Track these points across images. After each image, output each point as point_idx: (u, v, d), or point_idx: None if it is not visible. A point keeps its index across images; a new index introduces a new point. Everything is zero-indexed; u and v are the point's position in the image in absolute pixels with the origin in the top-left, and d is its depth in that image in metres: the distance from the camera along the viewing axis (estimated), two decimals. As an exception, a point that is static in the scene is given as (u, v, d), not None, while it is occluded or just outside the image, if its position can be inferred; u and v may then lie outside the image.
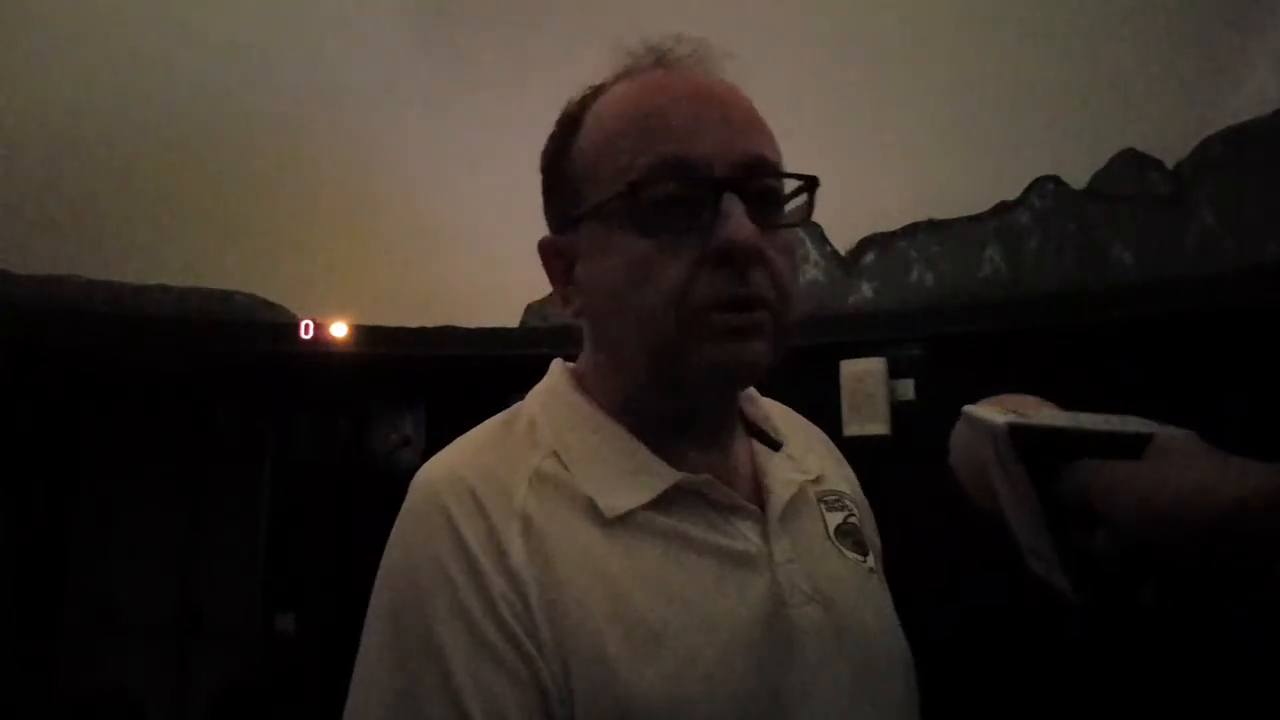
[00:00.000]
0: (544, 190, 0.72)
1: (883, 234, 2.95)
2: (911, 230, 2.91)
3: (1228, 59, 2.52)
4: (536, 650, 0.55)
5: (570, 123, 0.69)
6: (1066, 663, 2.34)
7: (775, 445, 0.73)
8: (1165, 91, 2.61)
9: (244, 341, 3.04)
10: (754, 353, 0.61)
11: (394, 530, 0.61)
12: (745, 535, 0.64)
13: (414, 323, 3.15)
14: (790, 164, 0.67)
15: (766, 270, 0.62)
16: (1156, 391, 2.32)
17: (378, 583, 0.60)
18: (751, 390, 0.77)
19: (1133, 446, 0.46)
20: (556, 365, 0.74)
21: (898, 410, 2.69)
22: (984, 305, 2.70)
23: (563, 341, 0.76)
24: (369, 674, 0.57)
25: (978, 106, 2.84)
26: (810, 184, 0.66)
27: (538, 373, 0.75)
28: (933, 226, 2.89)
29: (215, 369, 3.35)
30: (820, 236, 3.01)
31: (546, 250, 0.71)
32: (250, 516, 3.48)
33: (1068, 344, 2.48)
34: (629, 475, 0.64)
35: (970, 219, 2.84)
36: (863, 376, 2.74)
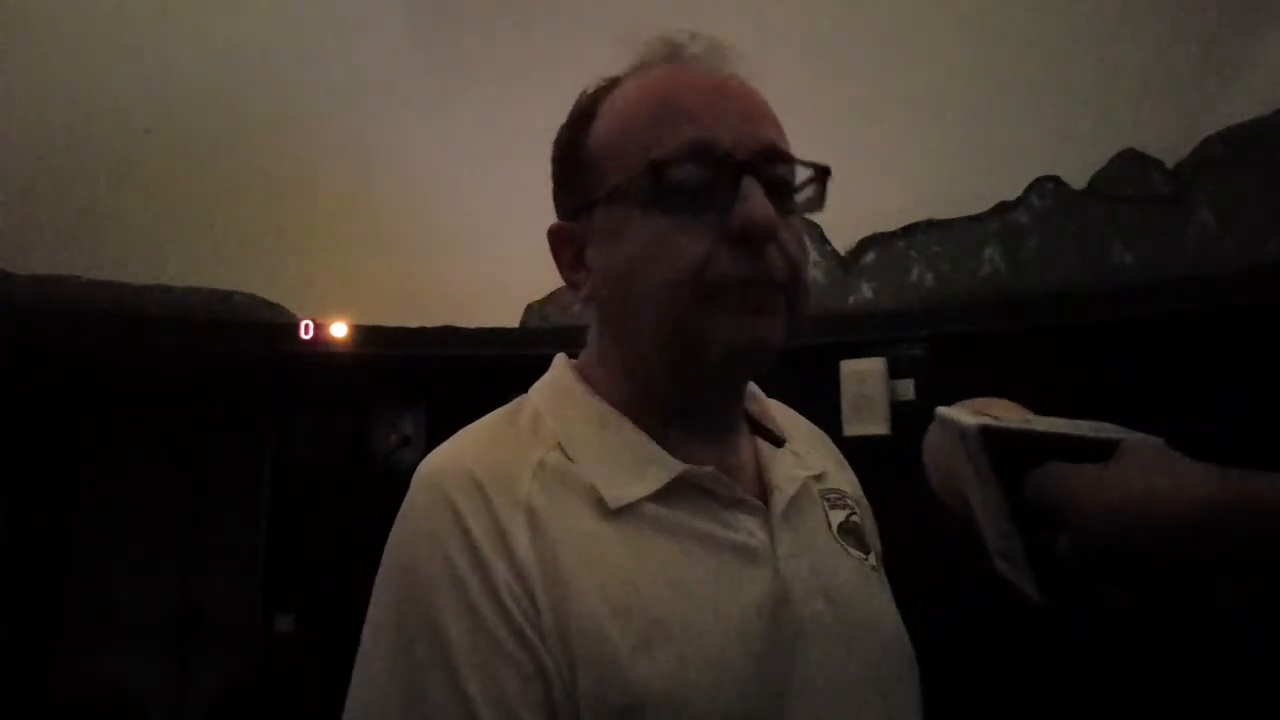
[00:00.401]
0: (555, 179, 0.72)
1: (883, 234, 2.95)
2: (911, 230, 2.91)
3: (1228, 59, 2.52)
4: (541, 641, 0.55)
5: (585, 113, 0.70)
6: (1066, 664, 2.34)
7: (778, 441, 0.73)
8: (1165, 91, 2.61)
9: (244, 341, 3.04)
10: (769, 329, 0.62)
11: (397, 522, 0.61)
12: (749, 529, 0.65)
13: (414, 323, 3.15)
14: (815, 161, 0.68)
15: (781, 253, 0.63)
16: (1156, 391, 2.32)
17: (381, 574, 0.60)
18: (755, 388, 0.77)
19: (1101, 452, 0.46)
20: (560, 359, 0.74)
21: (898, 410, 2.69)
22: (984, 305, 2.70)
23: (563, 342, 0.76)
24: (372, 665, 0.57)
25: (978, 106, 2.84)
26: (822, 174, 0.68)
27: (538, 373, 0.75)
28: (933, 226, 2.89)
29: (215, 369, 3.35)
30: (820, 236, 3.01)
31: (556, 236, 0.71)
32: (250, 516, 3.48)
33: (1068, 344, 2.48)
34: (633, 467, 0.64)
35: (970, 219, 2.84)
36: (863, 376, 2.74)
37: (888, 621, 0.70)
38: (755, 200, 0.61)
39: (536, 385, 0.72)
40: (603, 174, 0.66)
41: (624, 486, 0.62)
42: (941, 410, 0.53)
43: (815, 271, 3.01)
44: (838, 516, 0.73)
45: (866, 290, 2.95)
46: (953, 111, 2.87)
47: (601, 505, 0.61)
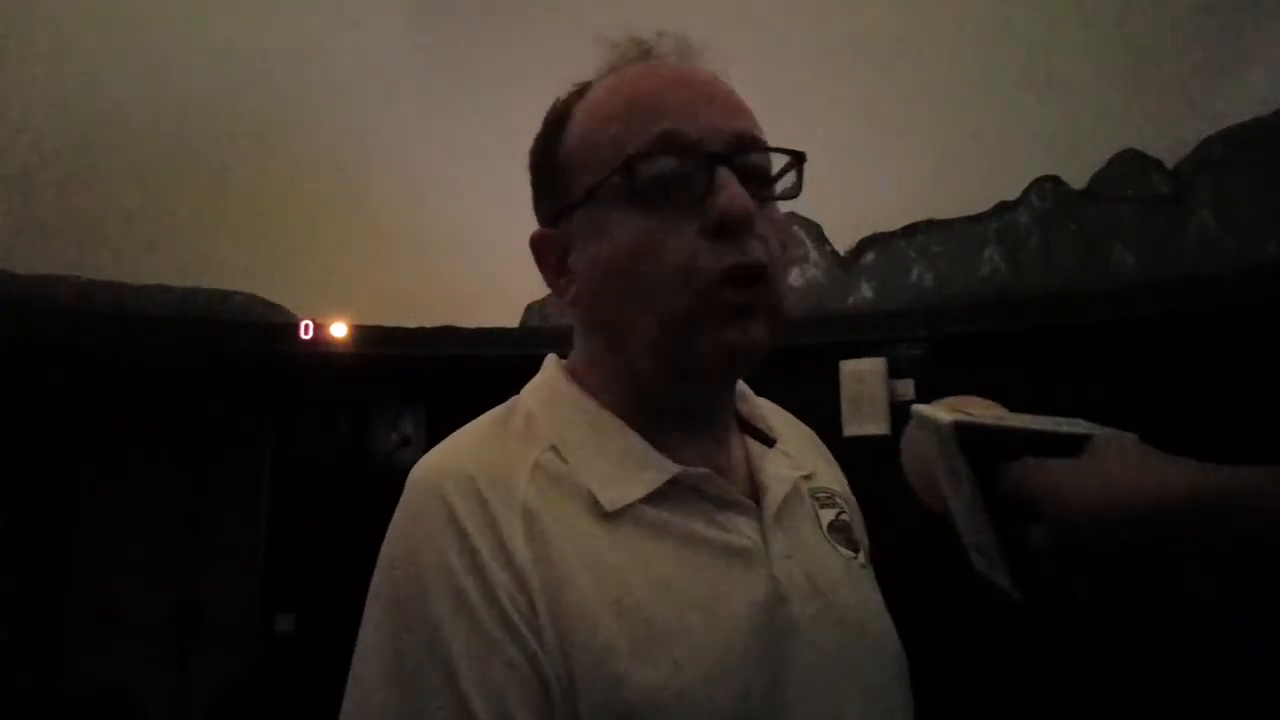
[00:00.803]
0: (533, 187, 0.73)
1: (883, 234, 2.95)
2: (911, 230, 2.91)
3: (1228, 59, 2.52)
4: (538, 643, 0.55)
5: (558, 118, 0.70)
6: (1062, 664, 2.34)
7: (769, 442, 0.74)
8: (1165, 91, 2.61)
9: (244, 341, 3.04)
10: (755, 328, 0.62)
11: (393, 523, 0.61)
12: (742, 530, 0.65)
13: (414, 323, 3.14)
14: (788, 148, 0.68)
15: (762, 243, 0.63)
16: (1156, 391, 2.32)
17: (377, 576, 0.60)
18: (745, 388, 0.78)
19: (1073, 446, 0.47)
20: (551, 360, 0.74)
21: (898, 410, 2.69)
22: (984, 305, 2.70)
23: (563, 342, 0.76)
24: (369, 667, 0.57)
25: (978, 106, 2.84)
26: (798, 159, 0.68)
27: (538, 373, 0.75)
28: (933, 226, 2.89)
29: (215, 369, 3.35)
30: (820, 236, 3.01)
31: (538, 244, 0.71)
32: (250, 516, 3.48)
33: (1068, 344, 2.48)
34: (628, 469, 0.64)
35: (970, 219, 2.84)
36: (863, 376, 2.74)
37: (878, 619, 0.70)
38: (731, 190, 0.61)
39: (528, 387, 0.72)
40: (579, 176, 0.66)
41: (619, 489, 0.62)
42: (918, 407, 0.54)
43: (815, 271, 3.01)
44: (827, 515, 0.73)
45: (866, 290, 2.95)
46: (953, 111, 2.87)
47: (597, 507, 0.61)
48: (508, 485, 0.60)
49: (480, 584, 0.56)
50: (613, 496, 0.62)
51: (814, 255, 3.01)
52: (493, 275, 3.10)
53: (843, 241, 3.00)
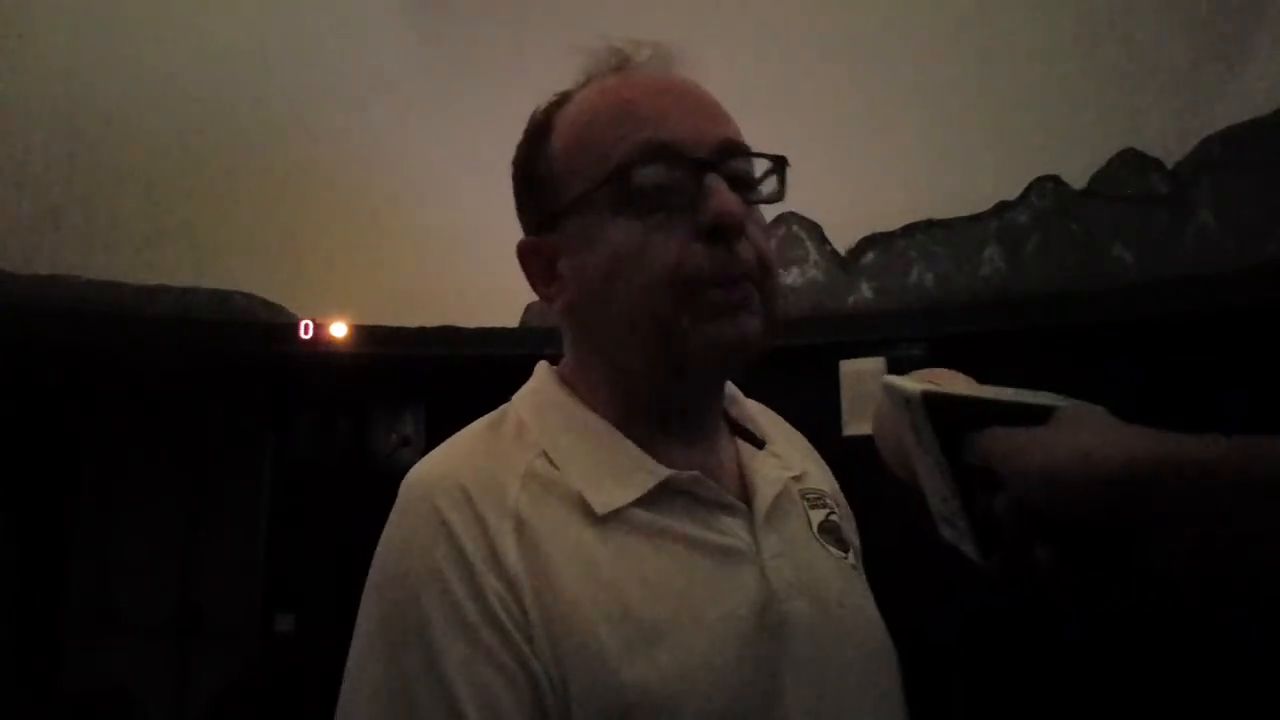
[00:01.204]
0: (517, 196, 0.73)
1: (883, 234, 2.95)
2: (911, 230, 2.91)
3: (1227, 59, 2.52)
4: (531, 649, 0.55)
5: (540, 127, 0.71)
6: (1059, 662, 2.34)
7: (759, 443, 0.74)
8: (1165, 91, 2.61)
9: (244, 341, 3.03)
10: (748, 327, 0.63)
11: (385, 531, 0.62)
12: (733, 531, 0.65)
13: (414, 323, 3.14)
14: (791, 165, 0.69)
15: (751, 245, 0.63)
16: (1156, 391, 2.32)
17: (369, 583, 0.60)
18: (734, 390, 0.78)
19: (1040, 416, 0.47)
20: (541, 367, 0.75)
21: (897, 410, 2.69)
22: (984, 305, 2.70)
23: (563, 342, 0.76)
24: (362, 674, 0.58)
25: (977, 106, 2.84)
26: (779, 164, 0.68)
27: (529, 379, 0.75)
28: (933, 226, 2.89)
29: (215, 369, 3.35)
30: (820, 236, 3.01)
31: (525, 252, 0.71)
32: (250, 516, 3.48)
33: (1068, 344, 2.48)
34: (619, 473, 0.64)
35: (970, 219, 2.83)
36: (863, 376, 2.74)
37: (868, 618, 0.71)
38: (721, 195, 0.62)
39: (519, 393, 0.73)
40: (566, 185, 0.67)
41: (610, 493, 0.63)
42: (888, 378, 0.54)
43: (815, 271, 3.01)
44: (817, 516, 0.74)
45: (866, 290, 2.95)
46: (953, 111, 2.87)
47: (588, 512, 0.62)
48: (499, 492, 0.61)
49: (472, 590, 0.56)
50: (604, 500, 0.62)
51: (814, 255, 3.01)
52: (493, 275, 3.09)
53: (843, 241, 3.00)
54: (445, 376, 3.16)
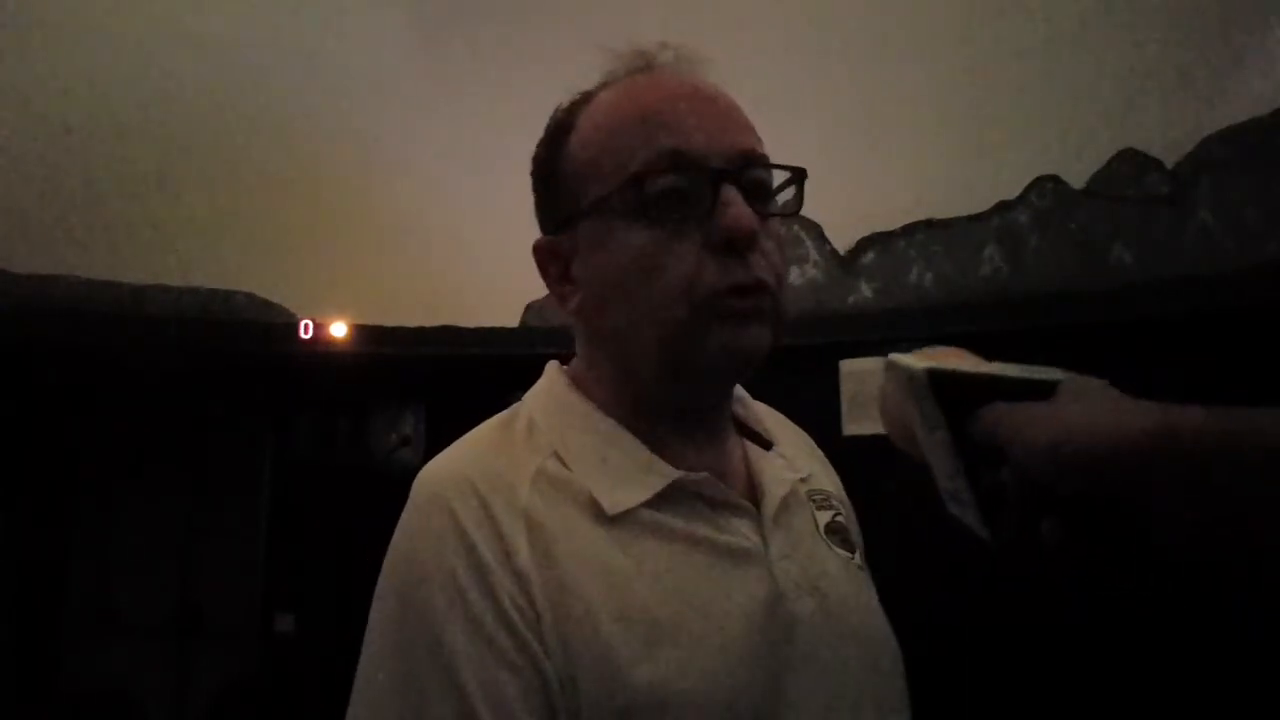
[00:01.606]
0: (535, 194, 0.73)
1: (883, 234, 2.95)
2: (911, 230, 2.91)
3: (1228, 59, 2.52)
4: (542, 648, 0.56)
5: (561, 127, 0.71)
6: (1062, 662, 2.34)
7: (766, 444, 0.75)
8: (1165, 91, 2.61)
9: (244, 341, 3.03)
10: (759, 338, 0.64)
11: (398, 531, 0.62)
12: (742, 532, 0.66)
13: (414, 323, 3.14)
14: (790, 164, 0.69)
15: (764, 258, 0.64)
16: (1156, 391, 2.32)
17: (381, 583, 0.61)
18: (742, 392, 0.78)
19: (1044, 391, 0.48)
20: (552, 367, 0.75)
21: (897, 410, 2.69)
22: (984, 305, 2.70)
23: (563, 341, 0.77)
24: (374, 674, 0.58)
25: (977, 106, 2.84)
26: (798, 176, 0.68)
27: (538, 373, 0.75)
28: (933, 226, 2.89)
29: (215, 369, 3.35)
30: (820, 236, 3.01)
31: (542, 252, 0.71)
32: (250, 516, 3.48)
33: (1068, 344, 2.48)
34: (629, 474, 0.64)
35: (970, 219, 2.83)
36: (863, 376, 2.74)
37: (874, 618, 0.72)
38: (737, 208, 0.62)
39: (530, 393, 0.73)
40: (584, 187, 0.67)
41: (621, 493, 0.63)
42: (894, 356, 0.55)
43: (815, 271, 3.01)
44: (824, 517, 0.74)
45: (866, 290, 2.95)
46: (952, 111, 2.87)
47: (599, 512, 0.62)
48: (510, 491, 0.61)
49: (484, 589, 0.56)
50: (614, 501, 0.62)
51: (814, 255, 3.01)
52: (493, 275, 3.10)
53: (843, 241, 3.00)
54: (445, 376, 3.16)
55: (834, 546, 0.72)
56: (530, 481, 0.62)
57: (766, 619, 0.62)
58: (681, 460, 0.66)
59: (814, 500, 0.75)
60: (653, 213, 0.63)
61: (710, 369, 0.64)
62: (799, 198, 0.69)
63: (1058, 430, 0.43)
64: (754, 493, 0.70)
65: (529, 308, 3.29)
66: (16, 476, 3.43)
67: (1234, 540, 0.38)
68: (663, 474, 0.64)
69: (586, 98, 0.71)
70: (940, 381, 0.50)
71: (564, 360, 0.75)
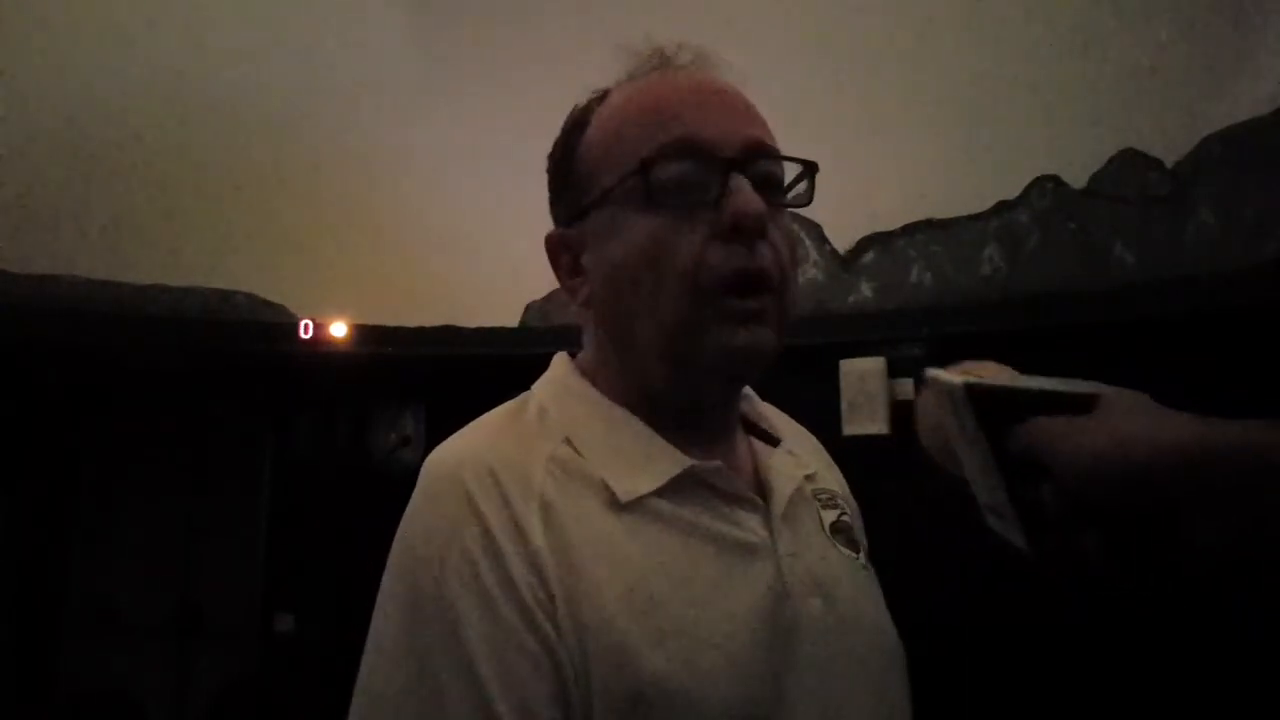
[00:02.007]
0: (551, 188, 0.74)
1: (883, 234, 2.95)
2: (911, 230, 2.91)
3: (1228, 59, 2.52)
4: (555, 632, 0.56)
5: (578, 122, 0.71)
6: (1065, 662, 2.34)
7: (773, 442, 0.75)
8: (1165, 91, 2.60)
9: (244, 341, 3.03)
10: (762, 338, 0.64)
11: (410, 511, 0.62)
12: (750, 526, 0.66)
13: (414, 323, 3.14)
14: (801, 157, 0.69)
15: (772, 250, 0.64)
16: (1156, 392, 2.32)
17: (392, 562, 0.60)
18: (749, 390, 0.78)
19: (1083, 405, 0.48)
20: (560, 357, 0.75)
21: (897, 410, 2.69)
22: (984, 305, 2.70)
23: (563, 341, 0.77)
24: (385, 654, 0.57)
25: (977, 106, 2.84)
26: (810, 169, 0.69)
27: (538, 372, 0.75)
28: (933, 226, 2.89)
29: (215, 369, 3.35)
30: (820, 236, 3.01)
31: (553, 244, 0.72)
32: (250, 516, 3.48)
33: (1068, 344, 2.48)
34: (641, 461, 0.65)
35: (970, 219, 2.83)
36: (863, 376, 2.73)
37: (877, 617, 0.72)
38: (744, 194, 0.62)
39: (540, 382, 0.73)
40: (595, 179, 0.67)
41: (633, 480, 0.63)
42: (932, 371, 0.55)
43: (815, 271, 3.01)
44: (829, 516, 0.75)
45: (866, 290, 2.95)
46: (952, 111, 2.87)
47: (611, 499, 0.62)
48: (524, 476, 0.61)
49: (499, 572, 0.56)
50: (627, 488, 0.62)
51: (814, 255, 3.01)
52: (493, 275, 3.10)
53: (843, 241, 3.00)
54: (445, 376, 3.16)
55: (839, 546, 0.72)
56: (544, 466, 0.62)
57: (772, 614, 0.62)
58: (689, 454, 0.66)
59: (820, 499, 0.75)
60: (662, 201, 0.63)
61: (711, 368, 0.64)
62: (810, 191, 0.69)
63: (1098, 444, 0.43)
64: (761, 489, 0.70)
65: (529, 308, 3.29)
66: (17, 476, 3.43)
67: (1274, 553, 0.38)
68: (676, 461, 0.64)
69: (602, 95, 0.72)
70: (978, 396, 0.50)
71: (572, 355, 0.76)
